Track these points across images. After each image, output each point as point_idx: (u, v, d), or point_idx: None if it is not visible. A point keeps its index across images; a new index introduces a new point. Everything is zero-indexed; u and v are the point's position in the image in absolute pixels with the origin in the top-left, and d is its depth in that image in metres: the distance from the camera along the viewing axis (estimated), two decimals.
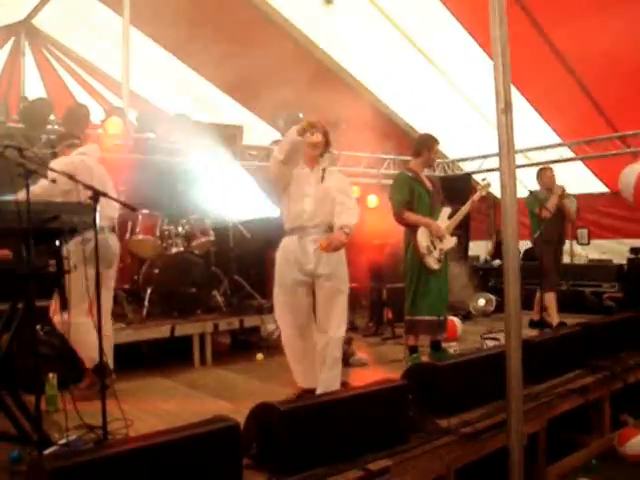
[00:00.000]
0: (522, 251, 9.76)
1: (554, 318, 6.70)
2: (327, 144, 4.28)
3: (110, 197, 3.58)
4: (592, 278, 8.90)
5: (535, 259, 7.09)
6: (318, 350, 4.17)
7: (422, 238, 5.14)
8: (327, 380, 4.12)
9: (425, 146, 5.35)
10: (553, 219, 6.64)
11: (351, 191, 4.39)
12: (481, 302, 8.52)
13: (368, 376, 4.87)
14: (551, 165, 8.76)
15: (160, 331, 5.67)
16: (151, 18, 6.85)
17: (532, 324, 6.71)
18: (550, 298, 6.72)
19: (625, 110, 7.63)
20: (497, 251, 10.11)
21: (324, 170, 4.26)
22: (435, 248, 5.18)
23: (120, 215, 6.26)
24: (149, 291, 6.04)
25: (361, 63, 8.12)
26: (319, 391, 4.04)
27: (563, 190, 6.73)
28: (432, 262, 5.15)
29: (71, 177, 3.36)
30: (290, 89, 6.40)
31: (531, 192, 6.70)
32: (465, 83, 8.11)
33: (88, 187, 3.32)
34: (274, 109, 7.77)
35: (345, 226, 3.99)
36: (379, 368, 5.50)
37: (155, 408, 4.35)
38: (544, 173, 6.95)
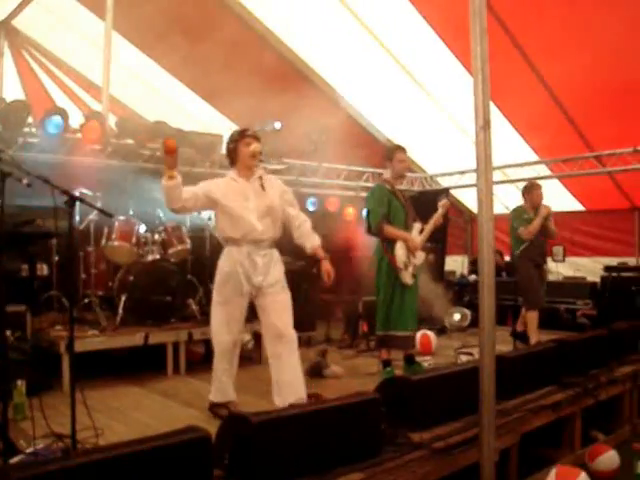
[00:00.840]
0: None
1: (532, 337, 6.57)
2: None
3: (86, 202, 3.54)
4: (566, 295, 9.01)
5: (511, 275, 7.07)
6: (284, 357, 4.21)
7: (400, 253, 5.13)
8: (297, 383, 4.20)
9: (387, 157, 5.39)
10: (537, 238, 6.57)
11: (292, 197, 4.45)
12: (456, 317, 8.56)
13: (341, 389, 4.87)
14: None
15: (133, 339, 5.62)
16: (133, 23, 6.83)
17: (514, 334, 6.62)
18: (532, 317, 6.57)
19: (601, 130, 7.75)
20: (475, 266, 10.17)
21: (261, 178, 4.27)
22: (410, 263, 5.19)
23: (96, 221, 6.26)
24: (123, 298, 5.97)
25: (342, 77, 8.15)
26: (291, 398, 4.03)
27: (549, 212, 6.62)
28: (407, 277, 5.16)
29: (46, 181, 3.32)
30: (270, 100, 6.42)
31: (516, 209, 6.66)
32: (445, 98, 8.18)
33: (64, 192, 3.28)
34: (253, 118, 7.77)
35: (318, 248, 4.25)
36: (353, 381, 5.49)
37: (126, 417, 4.30)
38: (533, 190, 6.75)
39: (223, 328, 4.25)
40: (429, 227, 5.45)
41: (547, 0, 6.02)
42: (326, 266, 4.31)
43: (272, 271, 4.27)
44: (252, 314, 6.59)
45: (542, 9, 6.10)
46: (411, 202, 5.61)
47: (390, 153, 5.39)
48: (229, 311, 4.25)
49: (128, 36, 7.48)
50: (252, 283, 4.20)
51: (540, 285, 6.69)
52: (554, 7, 6.04)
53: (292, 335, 4.27)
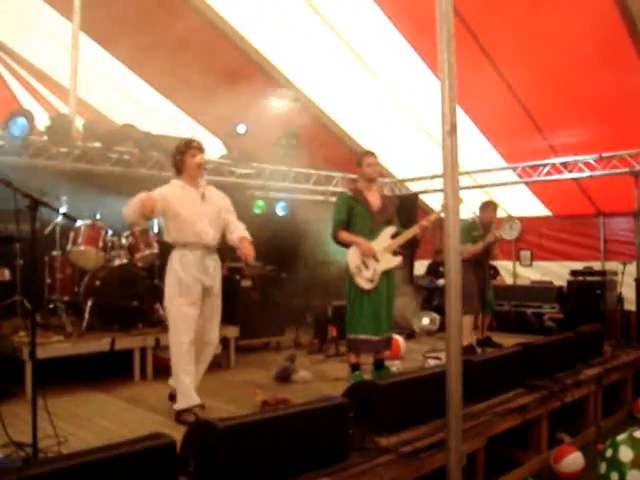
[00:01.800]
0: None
1: (464, 339, 6.35)
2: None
3: (49, 206, 3.47)
4: (534, 299, 9.14)
5: None
6: (205, 363, 4.59)
7: (352, 257, 5.18)
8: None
9: (357, 163, 5.46)
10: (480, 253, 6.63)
11: (231, 204, 4.70)
12: (425, 321, 8.61)
13: (310, 393, 4.87)
14: (496, 187, 9.01)
15: (100, 345, 5.54)
16: (101, 25, 6.74)
17: (479, 343, 6.74)
18: (466, 320, 6.49)
19: (567, 137, 7.86)
20: (430, 271, 10.21)
21: (204, 187, 4.55)
22: (367, 268, 5.19)
23: (62, 225, 6.17)
24: (90, 303, 5.89)
25: (313, 82, 8.15)
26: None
27: (497, 239, 6.70)
28: (362, 282, 5.17)
29: (8, 184, 3.26)
30: (240, 103, 6.40)
31: (467, 223, 6.70)
32: (415, 104, 8.22)
33: (26, 195, 3.22)
34: (221, 121, 7.74)
35: (245, 237, 4.49)
36: (321, 385, 5.48)
37: (91, 424, 4.23)
38: (488, 209, 6.86)
39: (182, 330, 4.31)
40: (407, 233, 5.42)
41: (514, 6, 6.09)
42: (248, 248, 4.51)
43: (218, 276, 4.56)
44: (222, 319, 6.59)
45: (508, 15, 6.17)
46: (393, 206, 5.58)
47: (359, 158, 5.44)
48: (186, 312, 4.33)
49: (96, 37, 7.37)
50: (204, 286, 4.40)
51: (477, 291, 6.66)
52: (520, 13, 6.10)
53: (217, 341, 4.68)
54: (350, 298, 5.25)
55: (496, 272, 10.00)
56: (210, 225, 4.42)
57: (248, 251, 4.46)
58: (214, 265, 4.49)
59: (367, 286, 5.18)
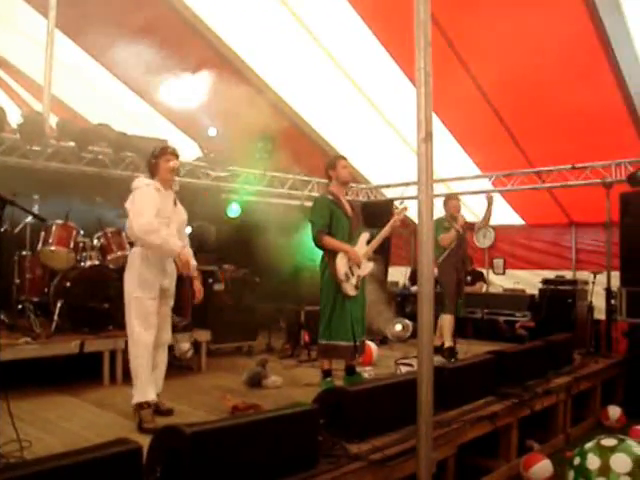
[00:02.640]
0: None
1: (446, 340, 6.77)
2: None
3: (18, 206, 3.40)
4: (506, 307, 9.19)
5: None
6: (158, 362, 4.57)
7: (341, 264, 5.11)
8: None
9: (329, 166, 5.40)
10: (456, 248, 6.84)
11: None
12: (398, 327, 8.61)
13: (281, 399, 4.84)
14: (470, 196, 9.09)
15: (68, 347, 5.44)
16: (77, 22, 6.67)
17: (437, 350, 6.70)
18: (448, 320, 6.78)
19: (541, 147, 7.96)
20: (413, 277, 10.29)
21: (175, 193, 4.68)
22: (353, 274, 5.17)
23: (32, 224, 6.06)
24: (59, 305, 5.79)
25: (290, 87, 8.15)
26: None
27: (465, 221, 7.00)
28: (349, 289, 5.13)
29: None
30: (215, 104, 6.36)
31: (437, 219, 6.78)
32: (391, 110, 8.26)
33: None
34: (196, 122, 7.71)
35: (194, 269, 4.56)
36: (293, 391, 5.44)
37: (57, 428, 4.14)
38: (449, 201, 7.07)
39: (143, 328, 4.35)
40: (380, 235, 5.42)
41: (492, 17, 6.14)
42: (197, 285, 4.71)
43: (174, 279, 4.63)
44: (193, 323, 6.55)
45: (486, 26, 6.24)
46: (360, 212, 5.60)
47: (333, 161, 5.40)
48: (147, 307, 4.37)
49: (71, 34, 7.29)
50: (162, 286, 4.46)
51: (456, 291, 6.88)
52: (498, 25, 6.17)
53: (167, 344, 4.71)
54: (330, 304, 5.15)
55: (478, 278, 10.08)
56: (177, 231, 4.56)
57: (199, 292, 4.70)
58: (172, 267, 4.56)
59: (353, 293, 5.15)
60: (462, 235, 6.95)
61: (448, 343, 6.75)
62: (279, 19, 6.86)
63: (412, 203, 9.36)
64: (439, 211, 6.76)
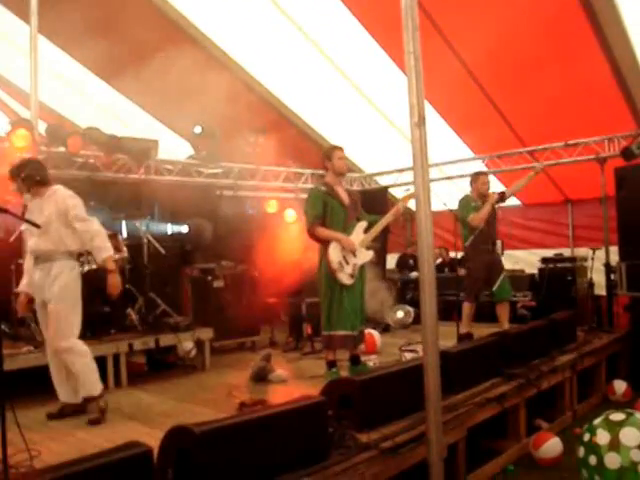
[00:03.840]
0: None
1: (463, 327, 6.48)
2: None
3: (11, 213, 3.38)
4: None
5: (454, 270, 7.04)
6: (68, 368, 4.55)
7: (333, 253, 5.11)
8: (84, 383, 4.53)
9: (326, 156, 5.37)
10: (486, 225, 6.52)
11: (79, 211, 4.56)
12: (399, 314, 8.61)
13: (288, 393, 4.83)
14: (465, 179, 9.03)
15: None
16: (60, 27, 6.60)
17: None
18: (466, 307, 6.62)
19: (533, 126, 7.93)
20: (400, 263, 10.28)
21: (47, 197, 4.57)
22: (348, 263, 5.16)
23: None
24: None
25: (277, 78, 8.11)
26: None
27: (496, 198, 6.61)
28: (344, 277, 5.12)
29: None
30: (204, 103, 6.32)
31: (463, 198, 6.62)
32: (381, 99, 8.23)
33: None
34: (187, 122, 7.66)
35: (107, 260, 4.58)
36: (299, 384, 5.44)
37: (64, 435, 4.12)
38: (478, 178, 6.72)
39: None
40: (381, 223, 5.40)
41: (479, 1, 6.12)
42: (112, 280, 4.58)
43: (49, 285, 4.46)
44: (195, 321, 6.54)
45: (473, 8, 6.20)
46: (359, 201, 5.56)
47: (329, 152, 5.38)
48: (41, 319, 4.57)
49: (55, 40, 7.23)
50: (39, 295, 4.52)
51: (483, 275, 6.55)
52: (486, 6, 6.13)
53: (59, 346, 4.47)
54: (328, 295, 5.15)
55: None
56: (39, 235, 4.41)
57: (114, 287, 4.64)
58: (42, 274, 4.49)
59: (349, 282, 5.14)
60: (493, 213, 6.64)
61: (465, 329, 6.49)
62: (263, 11, 6.81)
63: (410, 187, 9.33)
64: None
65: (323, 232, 5.16)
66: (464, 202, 6.58)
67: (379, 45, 7.06)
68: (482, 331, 6.53)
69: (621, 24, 5.94)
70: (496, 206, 6.70)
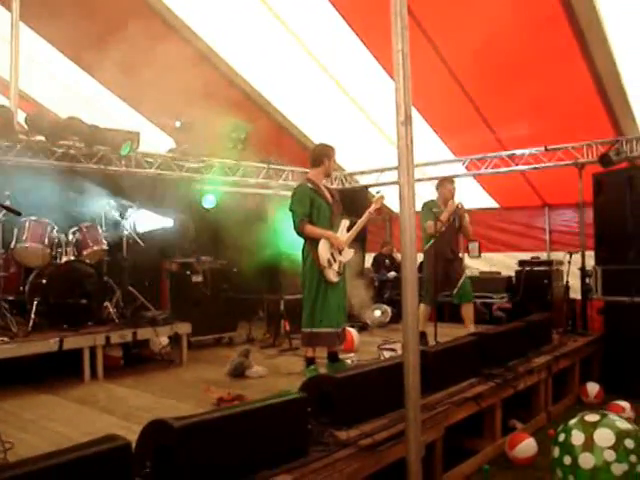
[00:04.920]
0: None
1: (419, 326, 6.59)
2: None
3: None
4: (483, 290, 9.25)
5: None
6: None
7: (323, 251, 5.12)
8: None
9: (326, 155, 5.37)
10: (447, 233, 6.62)
11: None
12: (377, 313, 8.65)
13: (266, 389, 4.83)
14: None
15: (47, 345, 5.35)
16: (42, 15, 6.51)
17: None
18: (421, 310, 6.52)
19: (514, 130, 7.99)
20: (375, 263, 10.31)
21: None
22: (335, 261, 5.18)
23: (5, 222, 5.94)
24: (36, 302, 5.71)
25: (260, 73, 8.09)
26: None
27: (459, 207, 6.65)
28: (332, 275, 5.15)
29: None
30: (187, 97, 6.28)
31: (427, 203, 6.68)
32: (364, 98, 8.24)
33: None
34: (167, 115, 7.61)
35: None
36: (277, 380, 5.44)
37: (40, 428, 4.08)
38: (443, 184, 6.83)
39: None
40: (360, 223, 5.45)
41: (464, 4, 6.15)
42: None
43: None
44: (173, 316, 6.50)
45: (457, 11, 6.23)
46: (339, 199, 5.58)
47: (329, 152, 5.39)
48: None
49: (37, 28, 7.13)
50: None
51: (441, 279, 6.61)
52: (470, 9, 6.17)
53: None
54: (313, 291, 5.16)
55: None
56: None
57: None
58: None
59: (335, 279, 5.18)
60: (453, 222, 6.69)
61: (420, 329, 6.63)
62: (255, 14, 6.81)
63: (387, 189, 9.39)
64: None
65: (313, 230, 5.16)
66: (426, 207, 6.63)
67: (364, 45, 7.07)
68: (459, 332, 6.60)
69: (602, 32, 6.01)
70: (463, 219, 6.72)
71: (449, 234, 6.70)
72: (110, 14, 6.40)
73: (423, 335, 6.58)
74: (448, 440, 4.31)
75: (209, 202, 8.80)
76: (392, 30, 3.19)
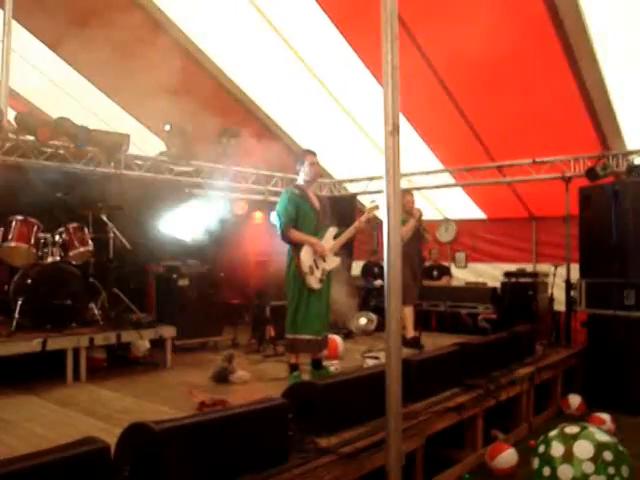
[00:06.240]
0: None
1: (409, 331, 6.86)
2: None
3: None
4: (468, 300, 9.30)
5: None
6: None
7: (305, 257, 5.13)
8: None
9: (298, 160, 5.40)
10: (410, 241, 6.81)
11: None
12: (362, 321, 8.65)
13: (249, 394, 4.80)
14: (433, 190, 9.19)
15: (30, 345, 5.30)
16: (35, 13, 6.51)
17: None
18: (408, 312, 6.83)
19: (502, 142, 8.07)
20: (364, 271, 10.35)
21: None
22: (318, 268, 5.18)
23: None
24: (20, 302, 5.66)
25: (253, 81, 8.11)
26: None
27: (421, 214, 7.03)
28: (313, 282, 5.15)
29: None
30: (178, 101, 6.29)
31: None
32: (354, 106, 8.28)
33: None
34: (159, 117, 7.61)
35: None
36: (260, 386, 5.42)
37: (19, 429, 4.04)
38: (404, 197, 6.99)
39: None
40: (348, 232, 5.45)
41: (454, 15, 6.19)
42: None
43: None
44: (158, 319, 6.48)
45: (448, 22, 6.28)
46: (328, 206, 5.59)
47: (301, 157, 5.40)
48: None
49: (29, 26, 7.12)
50: None
51: (414, 283, 6.96)
52: (460, 21, 6.22)
53: None
54: (295, 298, 5.16)
55: (444, 273, 10.17)
56: None
57: None
58: None
59: (317, 286, 5.17)
60: (418, 228, 7.00)
61: (411, 333, 6.84)
62: (247, 19, 6.83)
63: (375, 198, 9.42)
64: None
65: (297, 235, 5.17)
66: None
67: (355, 53, 7.12)
68: (444, 341, 6.63)
69: (591, 48, 6.08)
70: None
71: (413, 243, 6.95)
72: (100, 12, 6.40)
73: (417, 340, 6.66)
74: (429, 449, 4.33)
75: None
76: (382, 40, 3.21)
